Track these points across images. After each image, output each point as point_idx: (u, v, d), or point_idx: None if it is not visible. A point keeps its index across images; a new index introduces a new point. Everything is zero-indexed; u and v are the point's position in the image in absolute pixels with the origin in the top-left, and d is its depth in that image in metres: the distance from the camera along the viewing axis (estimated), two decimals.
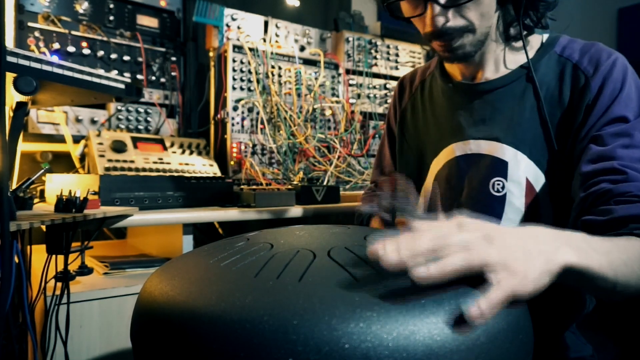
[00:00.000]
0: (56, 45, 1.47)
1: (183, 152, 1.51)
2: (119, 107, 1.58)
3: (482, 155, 0.81)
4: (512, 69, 0.81)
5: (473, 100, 0.84)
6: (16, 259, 0.67)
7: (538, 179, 0.76)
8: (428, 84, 0.96)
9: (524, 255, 0.43)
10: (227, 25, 1.66)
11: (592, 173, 0.68)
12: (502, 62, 0.82)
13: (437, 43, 0.78)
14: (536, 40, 0.82)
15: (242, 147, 1.54)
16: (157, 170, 1.38)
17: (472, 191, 0.81)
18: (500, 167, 0.78)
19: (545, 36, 0.82)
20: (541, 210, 0.76)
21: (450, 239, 0.42)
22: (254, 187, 1.41)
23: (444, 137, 0.88)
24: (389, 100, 1.71)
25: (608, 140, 0.69)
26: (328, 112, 1.70)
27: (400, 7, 0.81)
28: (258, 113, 1.56)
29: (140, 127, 1.64)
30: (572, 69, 0.76)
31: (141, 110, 1.64)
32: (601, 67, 0.73)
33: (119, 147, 1.38)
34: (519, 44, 0.81)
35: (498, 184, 0.78)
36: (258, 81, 1.55)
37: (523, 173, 0.77)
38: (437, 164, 0.89)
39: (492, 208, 0.78)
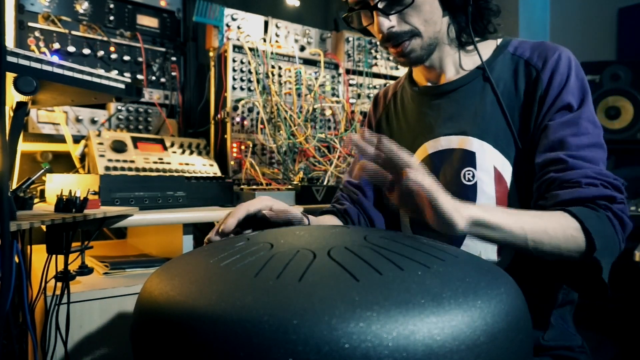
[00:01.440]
0: (56, 45, 1.47)
1: (183, 152, 1.51)
2: (119, 107, 1.58)
3: (453, 149, 0.87)
4: (471, 69, 0.89)
5: (439, 100, 0.92)
6: (16, 259, 0.67)
7: (505, 167, 0.83)
8: (399, 94, 1.04)
9: (446, 194, 0.61)
10: (227, 25, 1.66)
11: (543, 164, 0.77)
12: (460, 64, 0.91)
13: (391, 49, 0.87)
14: (491, 43, 0.90)
15: (242, 147, 1.54)
16: (157, 170, 1.38)
17: (447, 184, 0.86)
18: (469, 158, 0.84)
19: (499, 40, 0.90)
20: (510, 195, 0.82)
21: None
22: (254, 187, 1.41)
23: (417, 138, 0.94)
24: None
25: (557, 130, 0.77)
26: (328, 112, 1.70)
27: (354, 18, 0.91)
28: (258, 113, 1.56)
29: (140, 127, 1.64)
30: (524, 65, 0.84)
31: (141, 110, 1.64)
32: (549, 61, 0.81)
33: (119, 147, 1.38)
34: (472, 47, 0.89)
35: (468, 174, 0.84)
36: (258, 81, 1.55)
37: (490, 162, 0.83)
38: None
39: (466, 197, 0.83)
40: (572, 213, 0.69)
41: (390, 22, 0.83)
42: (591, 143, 0.76)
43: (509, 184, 0.82)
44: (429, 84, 0.95)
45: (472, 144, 0.84)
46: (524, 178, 0.81)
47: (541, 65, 0.82)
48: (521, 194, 0.82)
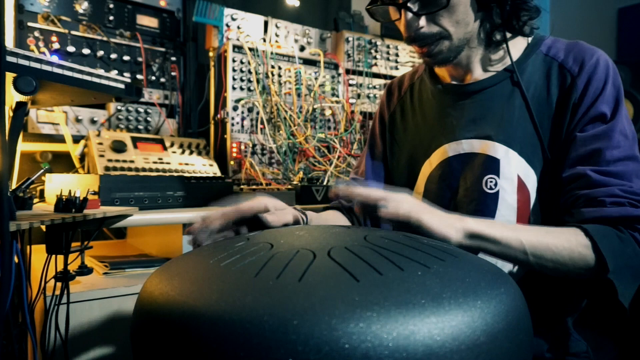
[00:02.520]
0: (56, 45, 1.47)
1: (183, 152, 1.51)
2: (119, 107, 1.58)
3: (475, 154, 0.83)
4: (500, 70, 0.84)
5: (463, 101, 0.86)
6: (16, 259, 0.67)
7: (528, 176, 0.78)
8: (417, 87, 0.98)
9: (431, 212, 0.61)
10: (227, 25, 1.66)
11: (569, 179, 0.74)
12: (489, 63, 0.85)
13: (416, 48, 0.82)
14: (522, 41, 0.84)
15: (242, 147, 1.54)
16: (157, 170, 1.38)
17: (467, 190, 0.83)
18: (492, 165, 0.80)
19: (530, 37, 0.84)
20: (532, 206, 0.79)
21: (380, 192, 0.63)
22: (254, 187, 1.41)
23: (435, 138, 0.89)
24: None
25: (588, 143, 0.73)
26: (328, 112, 1.70)
27: (379, 11, 0.85)
28: (258, 113, 1.56)
29: (140, 127, 1.64)
30: (558, 68, 0.79)
31: (141, 110, 1.64)
32: (586, 66, 0.76)
33: (118, 147, 1.38)
34: (504, 47, 0.83)
35: (491, 182, 0.80)
36: (258, 81, 1.55)
37: (514, 170, 0.79)
38: (429, 165, 0.89)
39: (486, 205, 0.80)
40: (585, 231, 0.66)
41: (419, 23, 0.77)
42: (623, 156, 0.71)
43: (531, 193, 0.78)
44: (453, 82, 0.89)
45: (497, 150, 0.80)
46: (548, 188, 0.78)
47: (577, 70, 0.76)
48: (543, 203, 0.78)
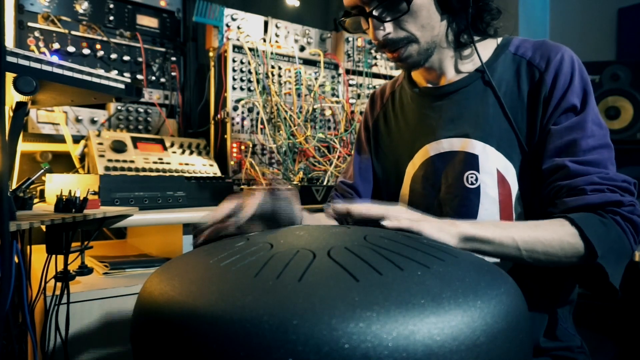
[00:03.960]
0: (56, 45, 1.47)
1: (183, 152, 1.51)
2: (119, 107, 1.58)
3: (455, 152, 0.86)
4: (472, 70, 0.88)
5: (440, 102, 0.90)
6: (16, 259, 0.67)
7: (508, 169, 0.82)
8: (398, 94, 1.02)
9: (429, 221, 0.65)
10: (227, 25, 1.66)
11: (549, 171, 0.77)
12: (461, 65, 0.89)
13: (388, 54, 0.86)
14: (491, 43, 0.89)
15: (242, 147, 1.54)
16: (157, 170, 1.38)
17: (449, 187, 0.86)
18: (472, 161, 0.83)
19: (500, 39, 0.89)
20: (513, 198, 0.82)
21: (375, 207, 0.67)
22: (254, 187, 1.41)
23: (417, 140, 0.92)
24: None
25: (563, 135, 0.77)
26: (328, 112, 1.70)
27: (351, 22, 0.89)
28: (258, 113, 1.56)
29: (140, 127, 1.64)
30: (526, 65, 0.83)
31: (141, 110, 1.64)
32: (552, 61, 0.80)
33: (119, 147, 1.38)
34: (472, 48, 0.88)
35: (471, 177, 0.83)
36: (258, 81, 1.55)
37: (493, 164, 0.82)
38: (413, 166, 0.92)
39: (469, 200, 0.83)
40: (571, 220, 0.69)
41: (385, 29, 0.82)
42: (597, 145, 0.75)
43: (512, 187, 0.81)
44: (429, 85, 0.93)
45: (475, 146, 0.83)
46: (528, 181, 0.80)
47: (544, 65, 0.81)
48: (525, 196, 0.81)
